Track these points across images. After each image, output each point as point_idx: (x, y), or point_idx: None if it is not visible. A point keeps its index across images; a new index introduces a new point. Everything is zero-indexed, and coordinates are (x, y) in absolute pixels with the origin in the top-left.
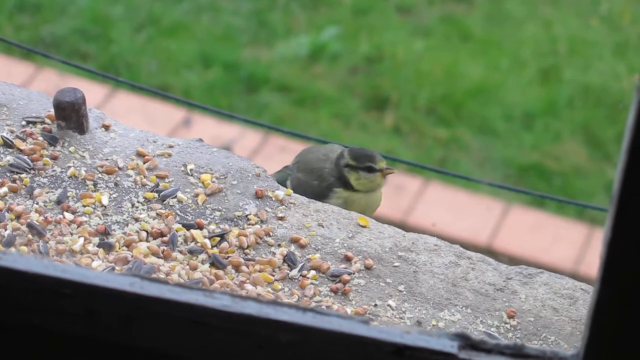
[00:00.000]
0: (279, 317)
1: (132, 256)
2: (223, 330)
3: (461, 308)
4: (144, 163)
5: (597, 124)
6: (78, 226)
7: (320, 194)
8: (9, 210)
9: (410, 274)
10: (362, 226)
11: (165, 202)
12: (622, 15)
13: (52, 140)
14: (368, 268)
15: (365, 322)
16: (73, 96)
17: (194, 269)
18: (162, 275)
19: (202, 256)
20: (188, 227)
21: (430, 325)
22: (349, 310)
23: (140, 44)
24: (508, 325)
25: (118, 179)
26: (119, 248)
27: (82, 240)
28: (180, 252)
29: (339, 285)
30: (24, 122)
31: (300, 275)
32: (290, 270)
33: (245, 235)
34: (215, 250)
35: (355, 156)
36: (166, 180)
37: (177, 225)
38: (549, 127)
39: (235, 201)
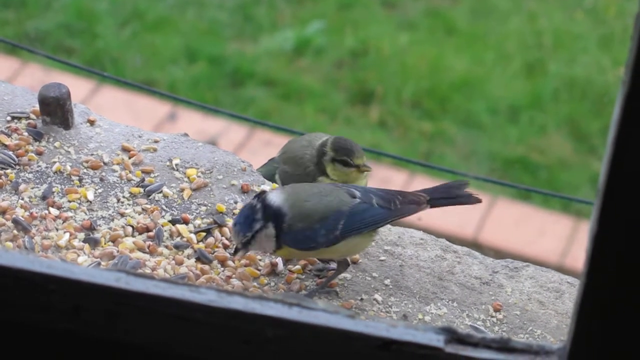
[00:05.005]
0: (265, 312)
1: (117, 251)
2: (209, 325)
3: (447, 302)
4: (130, 158)
5: (582, 117)
6: (63, 221)
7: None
8: None
9: (397, 268)
10: None
11: (150, 197)
12: (607, 9)
13: (37, 136)
14: (354, 262)
15: (352, 316)
16: (58, 91)
17: (180, 263)
18: (148, 271)
19: (188, 251)
20: (174, 222)
21: (416, 319)
22: (335, 304)
23: (125, 38)
24: (494, 319)
25: (103, 174)
26: (105, 243)
27: (67, 235)
28: (166, 247)
29: (325, 279)
30: (8, 118)
31: (287, 270)
32: (277, 265)
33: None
34: (201, 245)
35: (335, 147)
36: (152, 175)
37: (162, 220)
38: (534, 120)
39: (221, 196)
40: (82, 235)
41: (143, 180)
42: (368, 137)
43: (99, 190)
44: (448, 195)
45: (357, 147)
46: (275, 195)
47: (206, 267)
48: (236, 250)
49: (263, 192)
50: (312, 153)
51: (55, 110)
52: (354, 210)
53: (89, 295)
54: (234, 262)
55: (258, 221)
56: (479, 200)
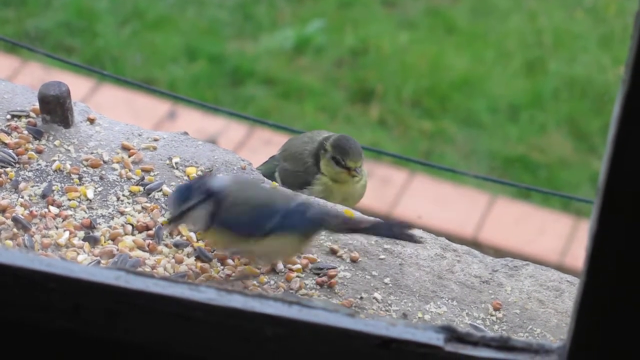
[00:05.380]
0: (265, 310)
1: (117, 250)
2: (209, 323)
3: (447, 300)
4: (129, 156)
5: (582, 116)
6: (63, 220)
7: (305, 182)
8: None
9: (396, 266)
10: None
11: (150, 196)
12: (607, 7)
13: (37, 134)
14: (354, 261)
15: (351, 315)
16: (58, 90)
17: (180, 262)
18: (147, 269)
19: (188, 249)
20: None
21: (416, 317)
22: (335, 302)
23: (125, 37)
24: (494, 318)
25: (103, 172)
26: (105, 242)
27: (67, 234)
28: (166, 245)
29: (325, 278)
30: (8, 116)
31: (286, 268)
32: (276, 263)
33: None
34: (201, 243)
35: (334, 144)
36: (151, 173)
37: (162, 219)
38: (534, 119)
39: None
40: (81, 233)
41: (143, 178)
42: (368, 136)
43: (99, 189)
44: (391, 234)
45: (354, 150)
46: (221, 179)
47: (206, 265)
48: (169, 221)
49: (210, 171)
50: (313, 147)
51: (55, 108)
52: (290, 211)
53: (89, 294)
54: (233, 260)
55: (197, 196)
56: (420, 242)
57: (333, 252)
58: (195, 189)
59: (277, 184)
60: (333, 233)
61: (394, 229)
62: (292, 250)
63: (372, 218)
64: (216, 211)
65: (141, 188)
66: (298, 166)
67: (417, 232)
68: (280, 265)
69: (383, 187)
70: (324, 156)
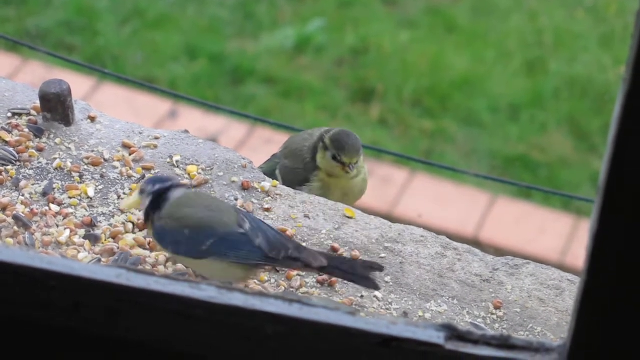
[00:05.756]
0: (265, 308)
1: (118, 248)
2: (209, 322)
3: (447, 299)
4: (130, 155)
5: (582, 115)
6: (64, 218)
7: (304, 179)
8: None
9: (397, 265)
10: (348, 217)
11: None
12: (607, 7)
13: (38, 132)
14: (355, 259)
15: (352, 313)
16: (59, 88)
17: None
18: (148, 267)
19: None
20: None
21: (416, 316)
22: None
23: (126, 36)
24: (494, 316)
25: (104, 170)
26: (105, 240)
27: (68, 232)
28: None
29: (325, 276)
30: (9, 114)
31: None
32: None
33: None
34: None
35: (333, 138)
36: (152, 171)
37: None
38: (535, 118)
39: (222, 192)
40: (82, 231)
41: (144, 176)
42: (369, 135)
43: (100, 187)
44: (351, 272)
45: (352, 146)
46: (179, 190)
47: None
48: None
49: (176, 180)
50: (311, 143)
51: (56, 106)
52: (228, 236)
53: (90, 292)
54: None
55: (148, 191)
56: (377, 288)
57: (334, 250)
58: (158, 184)
59: (277, 182)
60: (283, 267)
61: (357, 270)
62: (233, 278)
63: (331, 253)
64: (152, 216)
65: None
66: (297, 163)
67: (417, 231)
68: None
69: (384, 186)
70: (321, 149)
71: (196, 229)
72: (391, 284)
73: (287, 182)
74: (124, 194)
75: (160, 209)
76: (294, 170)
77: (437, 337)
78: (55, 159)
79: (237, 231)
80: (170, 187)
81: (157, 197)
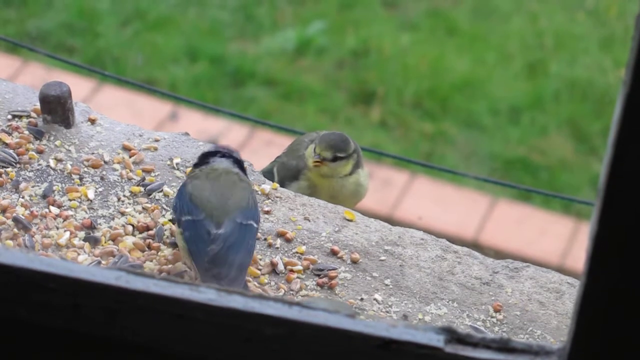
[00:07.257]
0: (265, 311)
1: (117, 250)
2: (209, 324)
3: (447, 302)
4: (130, 157)
5: (583, 118)
6: (64, 220)
7: (295, 175)
8: None
9: (397, 267)
10: (348, 220)
11: (151, 196)
12: (608, 9)
13: (38, 134)
14: (354, 262)
15: (352, 316)
16: (59, 90)
17: (178, 261)
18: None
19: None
20: (174, 220)
21: (416, 319)
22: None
23: (126, 38)
24: (494, 319)
25: (104, 172)
26: (105, 242)
27: (68, 234)
28: (163, 243)
29: (325, 279)
30: (9, 116)
31: (287, 269)
32: (277, 265)
33: None
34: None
35: (322, 136)
36: (152, 174)
37: (163, 219)
38: (535, 121)
39: None
40: (82, 234)
41: (144, 179)
42: (369, 137)
43: (100, 189)
44: None
45: (329, 139)
46: (223, 161)
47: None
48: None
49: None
50: (310, 140)
51: (56, 108)
52: (197, 224)
53: (89, 294)
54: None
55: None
56: None
57: (334, 253)
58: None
59: (277, 185)
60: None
61: None
62: (182, 254)
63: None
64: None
65: (142, 188)
66: (292, 158)
67: (417, 233)
68: (280, 266)
69: (384, 189)
70: (312, 143)
71: (190, 201)
72: (391, 286)
73: (280, 177)
74: (124, 196)
75: (198, 166)
76: (288, 165)
77: (436, 340)
78: (55, 160)
79: (208, 228)
80: (216, 153)
81: (203, 157)
